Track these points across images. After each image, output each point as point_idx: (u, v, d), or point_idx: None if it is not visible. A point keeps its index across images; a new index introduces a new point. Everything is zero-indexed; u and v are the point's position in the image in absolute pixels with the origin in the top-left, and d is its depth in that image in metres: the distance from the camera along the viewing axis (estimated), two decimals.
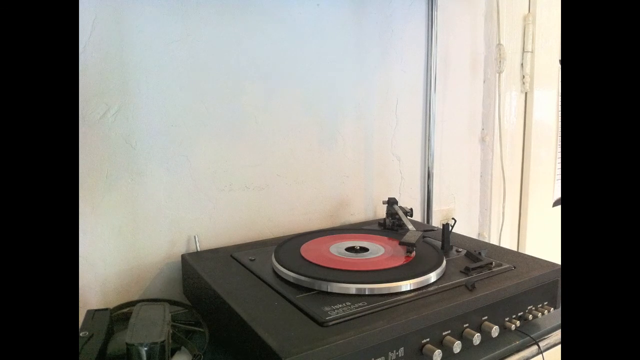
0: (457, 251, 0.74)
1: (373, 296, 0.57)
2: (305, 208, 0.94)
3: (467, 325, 0.58)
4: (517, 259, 0.71)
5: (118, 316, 0.69)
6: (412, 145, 1.09)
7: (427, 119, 1.08)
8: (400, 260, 0.67)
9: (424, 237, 0.74)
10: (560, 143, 1.36)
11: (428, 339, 0.54)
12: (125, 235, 0.75)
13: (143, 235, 0.77)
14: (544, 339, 0.64)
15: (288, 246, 0.74)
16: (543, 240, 1.35)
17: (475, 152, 1.22)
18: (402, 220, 0.85)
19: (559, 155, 1.36)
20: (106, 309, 0.61)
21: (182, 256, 0.76)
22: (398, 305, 0.55)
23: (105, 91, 0.71)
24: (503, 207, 1.20)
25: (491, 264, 0.67)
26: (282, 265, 0.64)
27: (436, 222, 1.14)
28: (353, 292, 0.58)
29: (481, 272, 0.65)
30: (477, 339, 0.57)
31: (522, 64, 1.23)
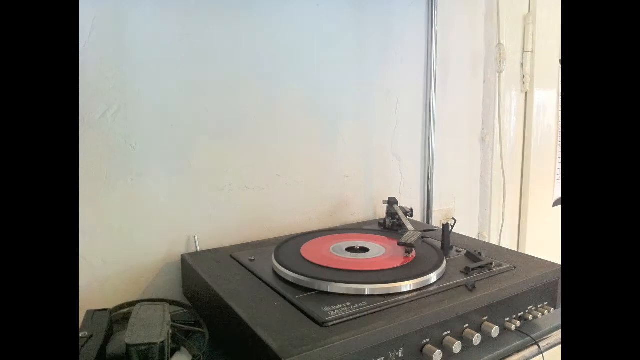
0: (457, 251, 0.74)
1: (373, 296, 0.57)
2: (305, 208, 0.94)
3: (467, 325, 0.58)
4: (517, 259, 0.71)
5: (118, 316, 0.69)
6: (412, 145, 1.09)
7: (427, 119, 1.08)
8: (400, 261, 0.67)
9: (423, 237, 0.73)
10: (560, 143, 1.36)
11: (428, 340, 0.54)
12: (125, 235, 0.75)
13: (143, 236, 0.77)
14: (544, 339, 0.64)
15: (288, 246, 0.74)
16: (543, 240, 1.35)
17: (475, 152, 1.22)
18: (402, 220, 0.85)
19: (559, 155, 1.36)
20: (106, 309, 0.61)
21: (182, 256, 0.76)
22: (398, 305, 0.55)
23: (105, 91, 0.71)
24: (503, 207, 1.20)
25: (491, 264, 0.67)
26: (282, 265, 0.64)
27: (436, 222, 1.14)
28: (353, 292, 0.58)
29: (481, 272, 0.65)
30: (477, 339, 0.57)
31: (522, 64, 1.23)
